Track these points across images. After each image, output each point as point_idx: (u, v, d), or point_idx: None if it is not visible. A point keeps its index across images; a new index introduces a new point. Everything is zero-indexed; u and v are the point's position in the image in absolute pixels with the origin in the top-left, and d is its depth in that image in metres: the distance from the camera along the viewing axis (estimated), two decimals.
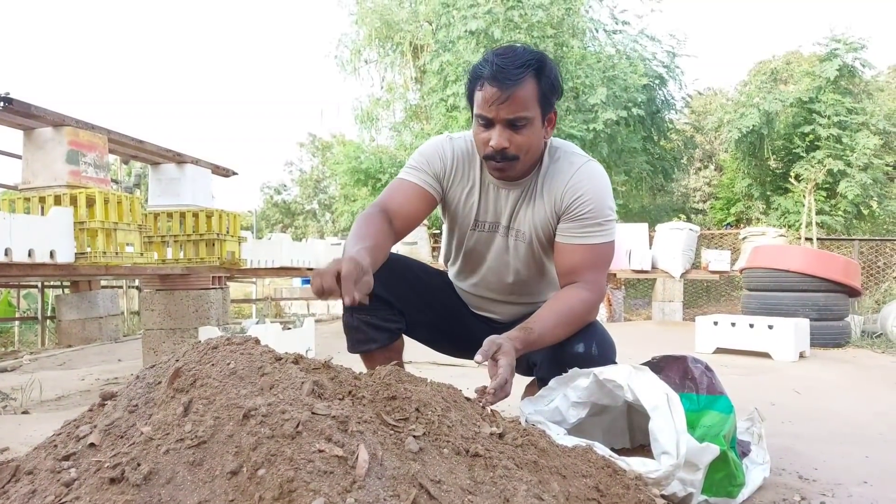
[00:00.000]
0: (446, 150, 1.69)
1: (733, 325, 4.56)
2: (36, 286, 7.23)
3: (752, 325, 4.47)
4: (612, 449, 1.44)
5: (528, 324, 1.52)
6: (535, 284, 1.83)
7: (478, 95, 1.52)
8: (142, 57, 57.90)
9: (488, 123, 1.52)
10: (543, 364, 1.66)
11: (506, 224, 1.70)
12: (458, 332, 1.89)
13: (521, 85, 1.48)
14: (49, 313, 7.18)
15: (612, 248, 1.67)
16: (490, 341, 1.41)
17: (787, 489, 1.62)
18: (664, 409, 1.31)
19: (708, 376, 1.58)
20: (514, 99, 1.48)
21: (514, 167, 1.58)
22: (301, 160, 26.25)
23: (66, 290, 7.03)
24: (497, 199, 1.68)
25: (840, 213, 10.79)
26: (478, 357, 1.39)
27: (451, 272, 1.91)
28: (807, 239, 8.70)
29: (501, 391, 1.36)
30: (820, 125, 10.75)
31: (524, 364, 1.79)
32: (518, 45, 1.58)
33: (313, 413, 1.01)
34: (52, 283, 7.25)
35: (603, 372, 1.42)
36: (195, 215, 4.55)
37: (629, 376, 1.39)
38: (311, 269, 6.73)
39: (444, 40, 11.08)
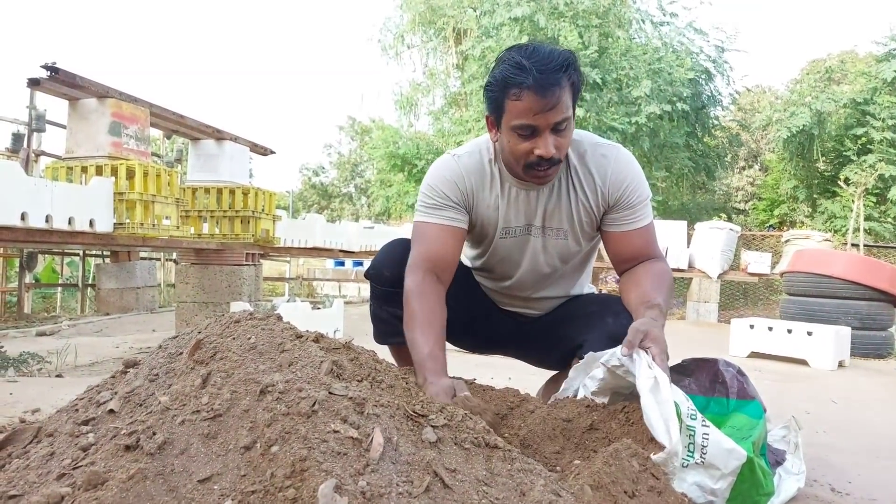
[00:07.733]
0: (456, 172, 1.64)
1: (770, 329, 4.43)
2: (78, 254, 7.44)
3: (790, 331, 4.34)
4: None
5: (648, 299, 1.50)
6: (570, 277, 1.81)
7: (514, 105, 1.45)
8: (188, 29, 58.91)
9: (533, 132, 1.47)
10: (593, 344, 1.57)
11: (539, 224, 1.67)
12: (484, 329, 1.88)
13: (563, 87, 1.44)
14: (90, 281, 7.39)
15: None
16: (634, 330, 1.36)
17: (818, 501, 1.56)
18: (650, 397, 1.25)
19: (739, 380, 1.52)
20: (559, 104, 1.44)
21: (557, 170, 1.56)
22: (340, 143, 26.44)
23: (107, 260, 7.22)
24: (527, 202, 1.65)
25: (890, 220, 10.41)
26: (623, 350, 1.34)
27: (478, 277, 1.88)
28: (853, 245, 8.41)
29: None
30: (873, 128, 10.36)
31: (556, 354, 1.77)
32: (537, 42, 1.52)
33: (330, 393, 0.99)
34: (93, 253, 7.45)
35: (609, 360, 1.38)
36: (232, 192, 4.61)
37: (623, 359, 1.34)
38: (343, 251, 6.75)
39: (488, 26, 10.97)
